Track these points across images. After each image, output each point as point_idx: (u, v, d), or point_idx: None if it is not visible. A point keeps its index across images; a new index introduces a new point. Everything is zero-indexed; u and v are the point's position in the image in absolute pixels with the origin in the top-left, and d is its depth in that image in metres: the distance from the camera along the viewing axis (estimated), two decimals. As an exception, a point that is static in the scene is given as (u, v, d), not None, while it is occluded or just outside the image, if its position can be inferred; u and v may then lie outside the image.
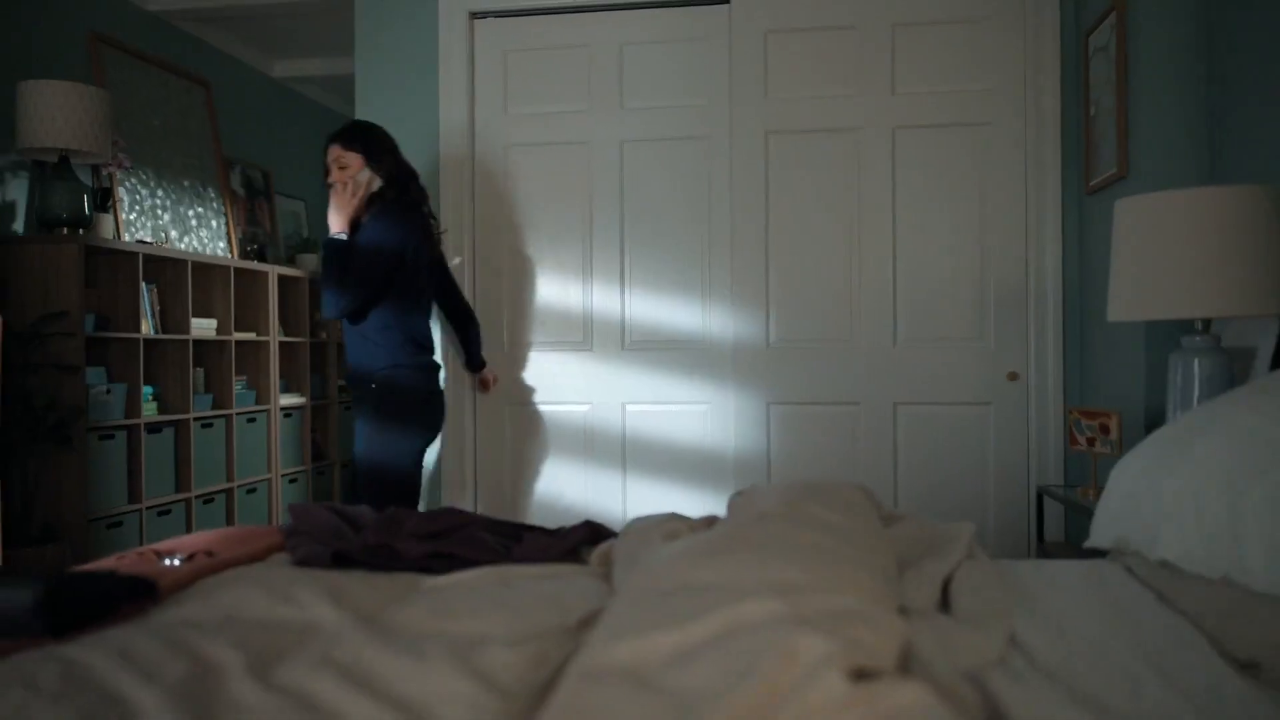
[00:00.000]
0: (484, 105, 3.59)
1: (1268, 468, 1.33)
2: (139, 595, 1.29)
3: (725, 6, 3.44)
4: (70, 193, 3.92)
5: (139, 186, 4.59)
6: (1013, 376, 3.32)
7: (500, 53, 3.59)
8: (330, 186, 3.00)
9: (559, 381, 3.57)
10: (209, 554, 1.60)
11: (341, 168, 2.97)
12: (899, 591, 1.23)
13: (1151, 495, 1.57)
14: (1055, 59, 3.25)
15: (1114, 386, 2.94)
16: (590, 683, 0.84)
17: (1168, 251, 2.08)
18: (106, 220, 4.17)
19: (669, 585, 1.06)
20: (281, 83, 6.10)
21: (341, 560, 1.52)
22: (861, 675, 0.84)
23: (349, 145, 2.98)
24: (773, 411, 3.44)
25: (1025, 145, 3.30)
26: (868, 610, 0.97)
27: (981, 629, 1.14)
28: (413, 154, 3.59)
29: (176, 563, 1.55)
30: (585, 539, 1.71)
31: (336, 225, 2.94)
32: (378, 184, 2.99)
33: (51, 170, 3.93)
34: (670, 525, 1.53)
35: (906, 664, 0.96)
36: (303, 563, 1.54)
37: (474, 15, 3.57)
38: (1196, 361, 2.13)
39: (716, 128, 3.47)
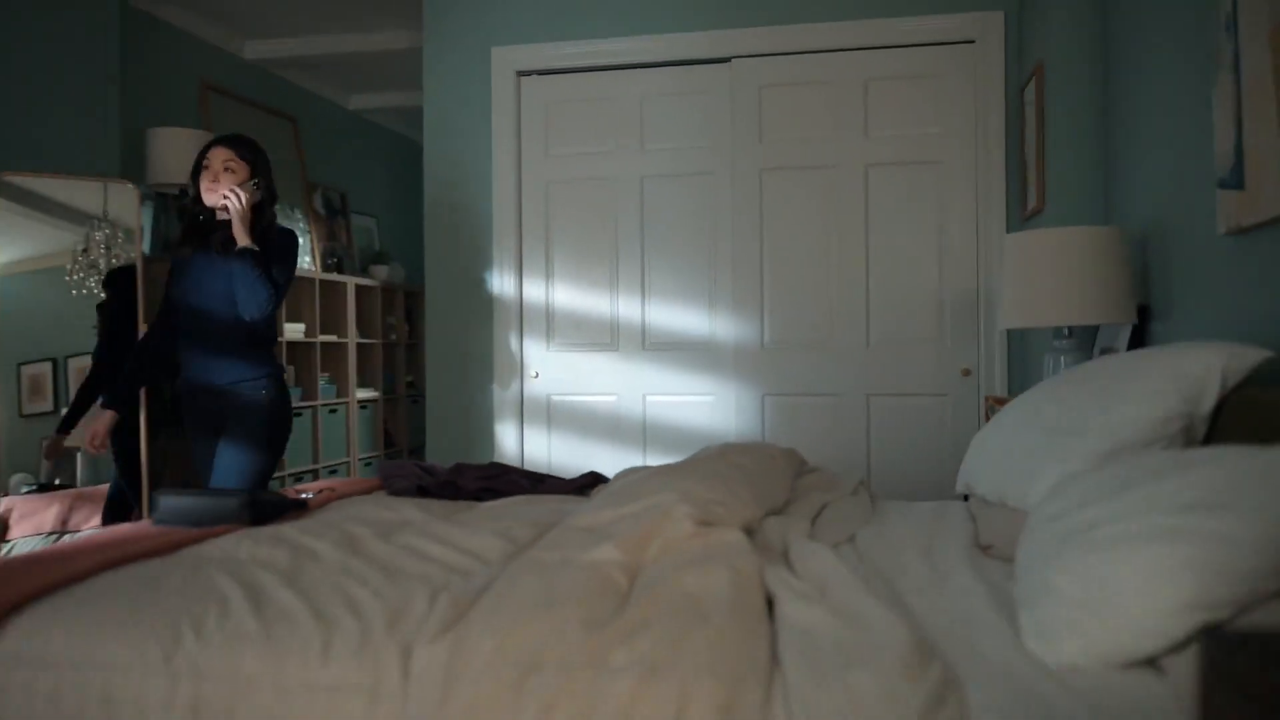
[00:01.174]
0: (529, 148, 4.34)
1: (1027, 426, 2.01)
2: (298, 505, 2.04)
3: (726, 65, 4.14)
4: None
5: (241, 212, 5.41)
6: (966, 372, 3.98)
7: (542, 104, 4.33)
8: (198, 182, 3.01)
9: (590, 376, 4.30)
10: (332, 490, 2.35)
11: (228, 170, 2.98)
12: (772, 503, 1.93)
13: (980, 452, 2.25)
14: (1000, 109, 3.90)
15: (1037, 379, 3.58)
16: (561, 531, 1.57)
17: (1040, 274, 2.74)
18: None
19: (619, 491, 1.78)
20: (356, 113, 6.92)
21: (422, 491, 2.27)
22: (708, 527, 1.55)
23: (242, 154, 3.03)
24: (767, 402, 4.14)
25: (975, 179, 3.95)
26: (727, 500, 1.68)
27: (801, 521, 1.84)
28: (471, 185, 4.35)
29: (309, 495, 2.30)
30: (590, 483, 2.44)
31: (243, 239, 2.92)
32: (258, 198, 3.03)
33: (173, 201, 4.76)
34: (643, 471, 2.25)
35: (750, 533, 1.67)
36: (396, 494, 2.29)
37: (520, 74, 4.31)
38: (1062, 358, 2.79)
39: (720, 165, 4.17)
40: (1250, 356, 1.75)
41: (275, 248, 3.01)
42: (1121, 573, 1.15)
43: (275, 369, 3.07)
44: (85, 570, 1.49)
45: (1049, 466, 1.82)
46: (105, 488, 4.04)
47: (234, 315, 2.93)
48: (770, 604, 1.35)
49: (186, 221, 3.09)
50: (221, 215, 2.99)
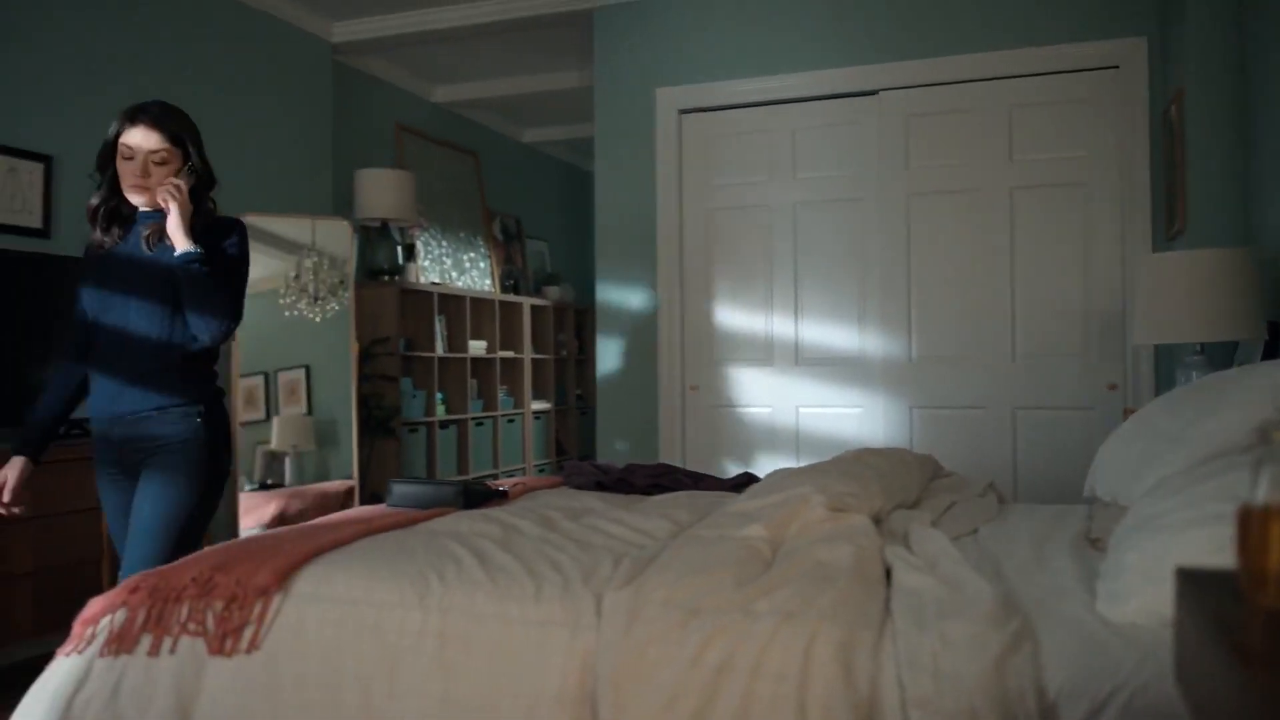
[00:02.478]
0: (690, 178, 4.71)
1: (1141, 434, 2.23)
2: (500, 495, 2.46)
3: (874, 97, 4.41)
4: (388, 250, 5.33)
5: (430, 240, 6.01)
6: (1112, 387, 4.10)
7: (702, 139, 4.70)
8: (110, 169, 2.36)
9: (747, 389, 4.62)
10: (523, 484, 2.77)
11: (159, 163, 2.33)
12: (902, 498, 2.22)
13: (1103, 459, 2.46)
14: (1144, 132, 4.02)
15: (1183, 394, 3.69)
16: (720, 514, 1.91)
17: (1172, 294, 2.91)
18: (411, 268, 5.57)
19: (767, 485, 2.11)
20: (530, 146, 7.47)
21: (599, 487, 2.65)
22: (839, 513, 1.87)
23: (172, 137, 2.35)
24: (915, 414, 4.36)
25: (1120, 200, 4.08)
26: (858, 491, 1.99)
27: (926, 514, 2.12)
28: (638, 212, 4.76)
29: (504, 488, 2.72)
30: (745, 482, 2.77)
31: (185, 242, 2.29)
32: (192, 183, 2.37)
33: (375, 233, 5.36)
34: (789, 470, 2.57)
35: (878, 521, 1.97)
36: (577, 488, 2.68)
37: (682, 111, 4.70)
38: (1193, 374, 2.95)
39: (869, 191, 4.43)
40: (1342, 370, 1.93)
41: (223, 248, 2.39)
42: (1178, 549, 1.41)
43: (215, 392, 2.44)
44: (350, 536, 1.93)
45: (1152, 469, 2.04)
46: (314, 486, 4.63)
47: (166, 333, 2.33)
48: (888, 573, 1.65)
49: (101, 210, 2.38)
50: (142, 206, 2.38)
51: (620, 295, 4.80)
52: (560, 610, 1.59)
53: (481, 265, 6.54)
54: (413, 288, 5.36)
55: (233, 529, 4.32)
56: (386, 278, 5.31)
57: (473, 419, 5.80)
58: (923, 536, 1.85)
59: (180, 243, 2.29)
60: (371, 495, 4.99)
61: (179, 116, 2.39)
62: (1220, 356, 3.21)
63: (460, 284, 6.20)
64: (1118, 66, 4.08)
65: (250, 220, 4.46)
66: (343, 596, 1.70)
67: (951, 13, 4.27)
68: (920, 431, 4.35)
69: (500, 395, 6.14)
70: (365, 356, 4.97)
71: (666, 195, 4.71)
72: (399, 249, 5.46)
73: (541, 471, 6.54)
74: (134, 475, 2.33)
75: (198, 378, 2.39)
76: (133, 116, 2.32)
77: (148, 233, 2.36)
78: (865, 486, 2.05)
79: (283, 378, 4.70)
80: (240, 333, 4.38)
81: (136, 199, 2.36)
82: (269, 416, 4.58)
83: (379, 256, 5.34)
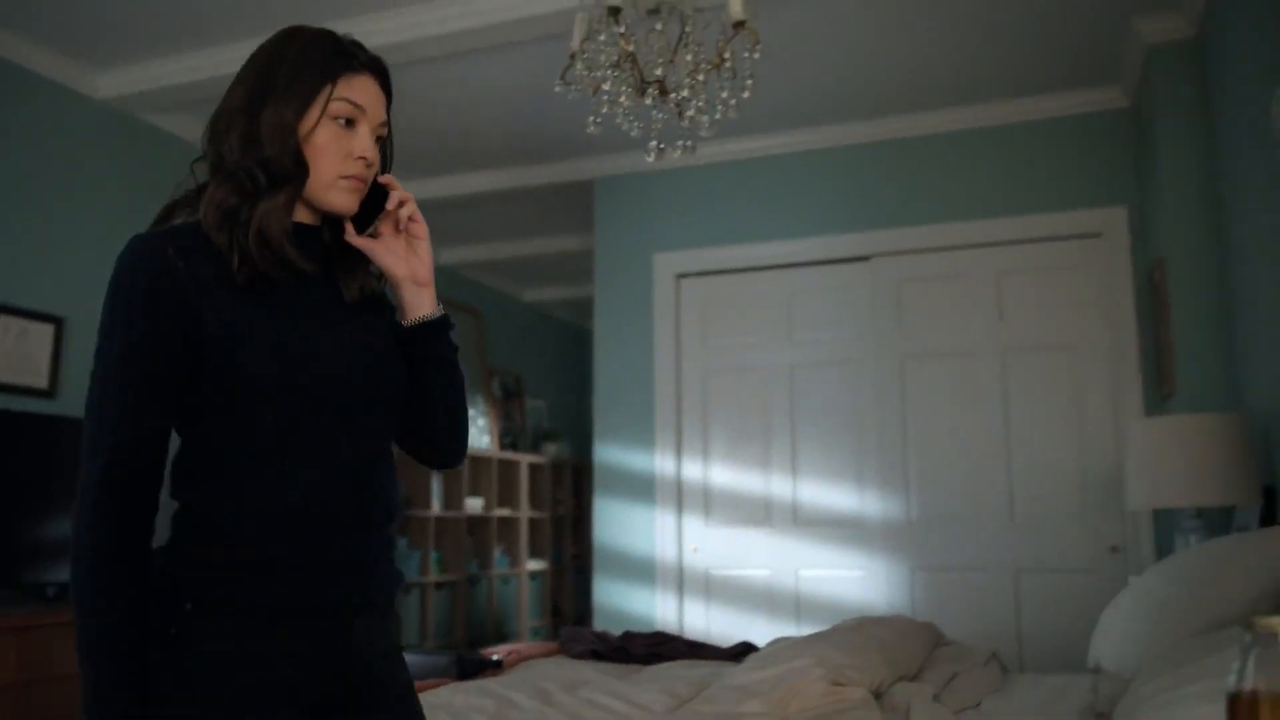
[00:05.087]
0: (687, 340, 4.80)
1: (1141, 603, 2.21)
2: (495, 665, 2.42)
3: (867, 263, 4.54)
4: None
5: (431, 398, 6.06)
6: (1114, 549, 4.08)
7: (699, 302, 4.82)
8: (294, 137, 1.26)
9: (745, 551, 4.59)
10: (518, 653, 2.73)
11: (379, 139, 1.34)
12: (904, 670, 2.18)
13: (1105, 626, 2.44)
14: (1129, 296, 4.12)
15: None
16: (716, 689, 1.88)
17: (1165, 459, 2.94)
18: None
19: (767, 656, 2.08)
20: (530, 305, 7.64)
21: (596, 655, 2.61)
22: (839, 686, 1.84)
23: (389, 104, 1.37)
24: (916, 576, 4.32)
25: (1110, 363, 4.15)
26: (860, 664, 1.96)
27: (929, 686, 2.08)
28: (636, 373, 4.83)
29: (498, 657, 2.67)
30: (743, 651, 2.73)
31: (431, 299, 1.37)
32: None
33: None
34: (789, 640, 2.54)
35: (879, 695, 1.94)
36: (574, 657, 2.64)
37: (679, 276, 4.83)
38: (1191, 538, 2.95)
39: (864, 353, 4.52)
40: (1336, 542, 1.94)
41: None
42: (1180, 728, 1.39)
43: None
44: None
45: (1155, 640, 2.03)
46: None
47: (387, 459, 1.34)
48: (890, 753, 1.62)
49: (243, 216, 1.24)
50: (358, 239, 1.33)
51: (618, 455, 4.82)
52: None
53: (480, 422, 6.58)
54: (412, 446, 5.40)
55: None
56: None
57: (468, 579, 5.73)
58: (924, 712, 1.82)
59: (430, 296, 1.36)
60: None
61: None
62: (1218, 520, 3.21)
63: (459, 441, 6.23)
64: (1101, 234, 4.22)
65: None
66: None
67: (940, 183, 4.45)
68: (922, 594, 4.30)
69: (496, 554, 6.07)
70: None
71: (664, 357, 4.79)
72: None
73: (537, 634, 6.40)
74: None
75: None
76: (347, 54, 1.30)
77: (364, 276, 1.35)
78: (867, 658, 2.02)
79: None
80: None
81: (347, 201, 1.29)
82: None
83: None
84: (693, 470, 4.71)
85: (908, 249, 4.49)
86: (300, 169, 1.25)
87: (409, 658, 2.31)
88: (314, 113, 1.25)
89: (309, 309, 1.26)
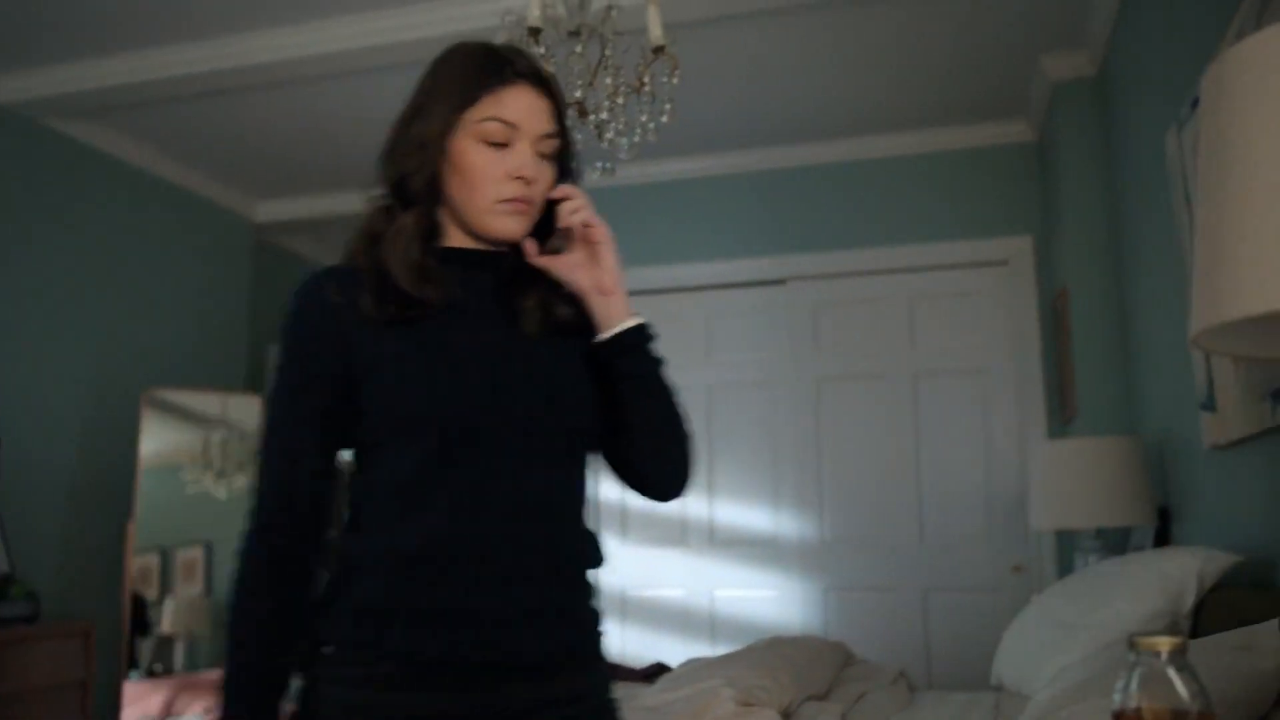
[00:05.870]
0: (606, 359, 4.81)
1: (1041, 622, 2.28)
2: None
3: (782, 286, 4.61)
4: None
5: (346, 415, 5.96)
6: (1017, 569, 4.19)
7: (618, 321, 4.82)
8: (436, 153, 1.21)
9: (661, 571, 4.60)
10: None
11: (548, 156, 1.26)
12: (813, 689, 2.21)
13: (1007, 645, 2.50)
14: (1034, 323, 4.26)
15: (1084, 576, 3.78)
16: (629, 710, 1.88)
17: (1065, 481, 3.03)
18: (324, 444, 5.49)
19: (678, 676, 2.09)
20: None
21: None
22: (749, 707, 1.85)
23: (560, 110, 1.27)
24: (829, 596, 4.38)
25: (1016, 387, 4.28)
26: (769, 685, 1.98)
27: (837, 704, 2.11)
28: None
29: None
30: (656, 672, 2.73)
31: (627, 307, 1.29)
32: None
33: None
34: (702, 660, 2.55)
35: (788, 716, 1.96)
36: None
37: (599, 295, 4.84)
38: (1089, 558, 3.04)
39: (780, 375, 4.58)
40: (1221, 560, 2.03)
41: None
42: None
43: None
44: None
45: (1051, 659, 2.09)
46: (207, 674, 4.39)
47: (579, 481, 1.27)
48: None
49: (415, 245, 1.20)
50: (538, 257, 1.27)
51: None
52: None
53: (397, 441, 6.49)
54: (325, 464, 5.28)
55: (116, 723, 4.06)
56: (298, 454, 5.22)
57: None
58: (831, 731, 1.84)
59: (620, 306, 1.27)
60: (270, 683, 4.74)
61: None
62: (1116, 540, 3.32)
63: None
64: (1007, 262, 4.35)
65: (159, 393, 4.41)
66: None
67: (854, 209, 4.54)
68: (835, 613, 4.35)
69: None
70: (271, 535, 4.81)
71: (583, 376, 4.78)
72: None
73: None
74: None
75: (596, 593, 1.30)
76: (499, 67, 1.21)
77: (532, 300, 1.25)
78: (776, 678, 2.04)
79: (180, 555, 4.53)
80: (139, 507, 4.24)
81: (510, 226, 1.22)
82: (162, 597, 4.38)
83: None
84: (610, 489, 4.71)
85: (823, 273, 4.57)
86: (432, 190, 1.18)
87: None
88: (460, 133, 1.18)
89: (469, 340, 1.17)
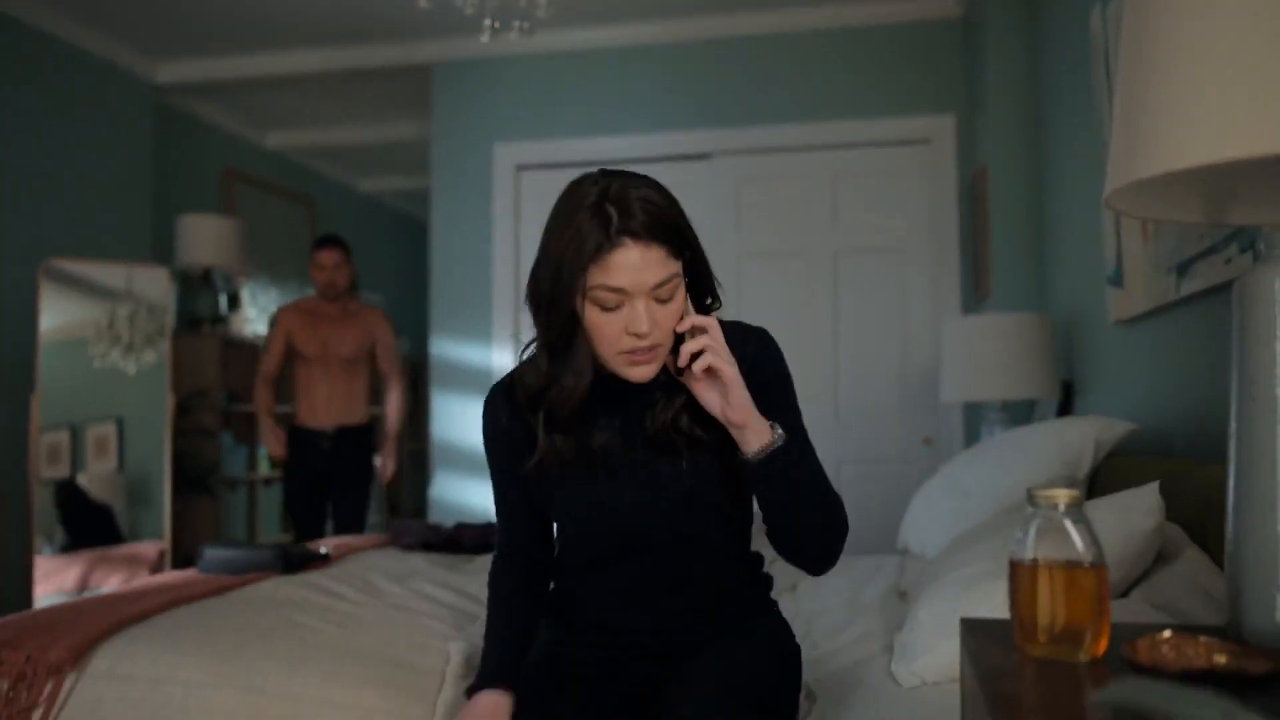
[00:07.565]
0: (527, 233, 4.74)
1: (946, 490, 2.36)
2: (322, 558, 2.38)
3: (707, 161, 4.56)
4: (210, 299, 5.14)
5: (258, 290, 5.81)
6: (927, 441, 4.32)
7: (540, 196, 4.73)
8: (572, 288, 1.28)
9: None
10: (346, 545, 2.70)
11: (665, 300, 1.30)
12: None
13: (913, 512, 2.59)
14: (954, 203, 4.30)
15: (990, 448, 3.92)
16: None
17: (974, 356, 3.10)
18: (235, 318, 5.37)
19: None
20: (367, 195, 7.36)
21: (427, 546, 2.61)
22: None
23: (675, 243, 1.32)
24: (745, 468, 4.47)
25: (933, 266, 4.34)
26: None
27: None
28: (474, 267, 4.74)
29: (326, 550, 2.64)
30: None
31: (762, 425, 1.38)
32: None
33: (197, 282, 5.15)
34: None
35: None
36: (405, 549, 2.63)
37: (520, 167, 4.74)
38: (995, 429, 3.15)
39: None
40: (1118, 428, 2.11)
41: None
42: (965, 604, 1.49)
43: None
44: (156, 607, 1.83)
45: (954, 524, 2.17)
46: (122, 548, 4.35)
47: (701, 555, 1.46)
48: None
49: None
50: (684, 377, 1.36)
51: (456, 350, 4.76)
52: (379, 697, 1.55)
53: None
54: (236, 338, 5.16)
55: (27, 597, 4.02)
56: (208, 327, 5.09)
57: (301, 475, 5.60)
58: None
59: (750, 437, 1.32)
60: (185, 558, 4.73)
61: (666, 199, 1.35)
62: (1020, 413, 3.43)
63: (290, 335, 6.01)
64: (929, 141, 4.35)
65: (59, 265, 4.23)
66: (146, 675, 1.61)
67: (779, 84, 4.47)
68: (750, 485, 4.45)
69: (330, 450, 5.94)
70: (182, 410, 4.74)
71: (503, 249, 4.72)
72: (223, 298, 5.26)
73: (374, 531, 6.35)
74: None
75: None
76: (603, 230, 1.24)
77: (657, 425, 1.36)
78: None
79: (91, 432, 4.43)
80: (43, 382, 4.11)
81: (637, 374, 1.31)
82: (74, 473, 4.30)
83: (200, 306, 5.12)
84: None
85: (746, 149, 4.52)
86: (568, 340, 1.29)
87: (229, 552, 2.25)
88: (579, 295, 1.25)
89: (613, 455, 1.37)
